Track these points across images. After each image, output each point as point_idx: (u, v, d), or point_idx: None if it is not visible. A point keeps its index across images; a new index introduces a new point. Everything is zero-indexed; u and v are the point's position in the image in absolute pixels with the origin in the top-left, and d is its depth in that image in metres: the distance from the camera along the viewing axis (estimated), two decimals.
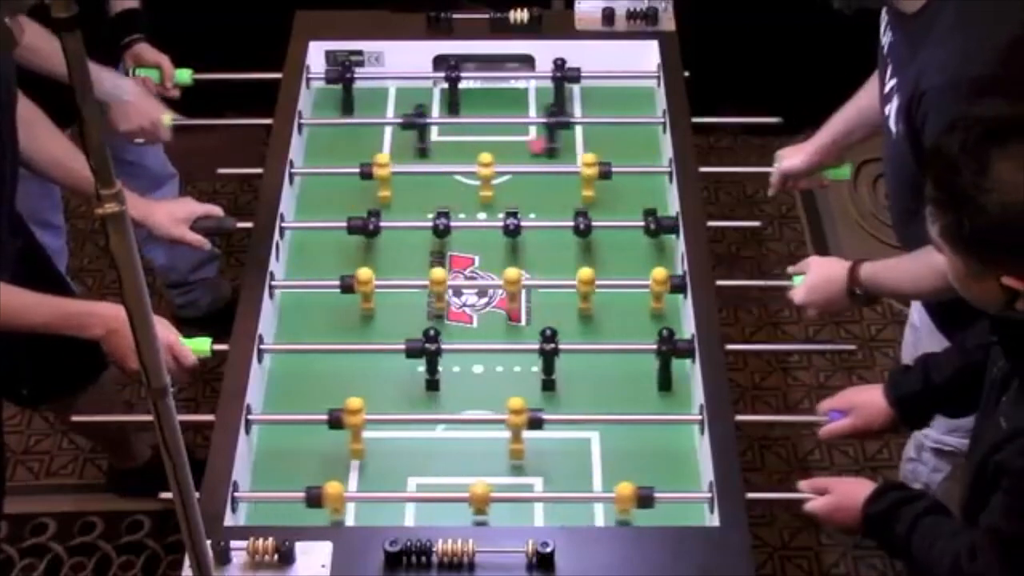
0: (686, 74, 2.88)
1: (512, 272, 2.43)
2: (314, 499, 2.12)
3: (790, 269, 2.46)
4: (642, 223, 2.57)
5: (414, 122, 2.80)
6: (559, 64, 2.86)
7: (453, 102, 2.90)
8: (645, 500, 2.11)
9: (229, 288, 3.49)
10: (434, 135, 2.87)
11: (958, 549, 1.85)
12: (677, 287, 2.43)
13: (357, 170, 2.67)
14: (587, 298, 2.45)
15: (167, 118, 2.80)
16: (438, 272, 2.44)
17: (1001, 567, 1.79)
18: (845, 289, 2.32)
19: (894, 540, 1.98)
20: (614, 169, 2.71)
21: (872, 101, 2.47)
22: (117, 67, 2.88)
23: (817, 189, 2.82)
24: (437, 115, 2.92)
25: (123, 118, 2.76)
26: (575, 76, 2.86)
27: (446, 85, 2.90)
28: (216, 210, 2.61)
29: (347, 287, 2.44)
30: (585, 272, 2.42)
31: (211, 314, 3.43)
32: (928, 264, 2.19)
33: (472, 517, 2.13)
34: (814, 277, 2.39)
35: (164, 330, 2.26)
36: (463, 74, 2.89)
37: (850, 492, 2.06)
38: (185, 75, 2.89)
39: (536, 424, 2.21)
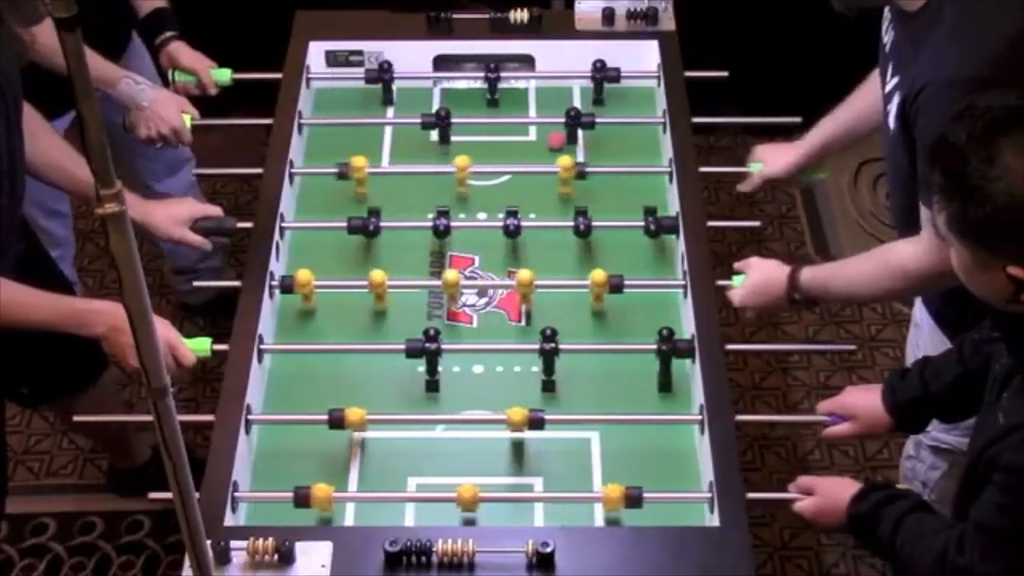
0: (725, 74, 2.89)
1: (525, 274, 2.44)
2: (302, 499, 2.12)
3: (736, 265, 2.46)
4: (642, 223, 2.57)
5: (435, 122, 2.79)
6: (599, 66, 2.87)
7: (492, 101, 2.92)
8: (634, 500, 2.11)
9: (234, 276, 3.48)
10: (434, 135, 2.87)
11: (945, 542, 1.85)
12: (615, 287, 2.43)
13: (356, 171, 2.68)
14: (527, 298, 2.47)
15: (187, 119, 2.79)
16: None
17: (988, 561, 1.79)
18: (785, 294, 2.32)
19: (878, 540, 1.98)
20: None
21: (864, 105, 2.47)
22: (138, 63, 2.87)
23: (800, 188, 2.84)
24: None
25: (141, 124, 2.76)
26: (615, 76, 2.87)
27: (486, 85, 2.91)
28: (216, 210, 2.61)
29: (286, 288, 2.45)
30: (524, 274, 2.43)
31: (216, 300, 3.43)
32: (884, 264, 2.19)
33: (471, 516, 2.13)
34: (754, 279, 2.38)
35: (165, 330, 2.26)
36: (503, 74, 2.92)
37: (834, 493, 2.06)
38: (225, 75, 2.89)
39: (537, 424, 2.21)
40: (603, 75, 2.88)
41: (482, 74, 2.92)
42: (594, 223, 2.57)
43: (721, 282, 2.46)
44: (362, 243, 2.60)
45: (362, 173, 2.66)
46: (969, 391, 2.05)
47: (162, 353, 1.49)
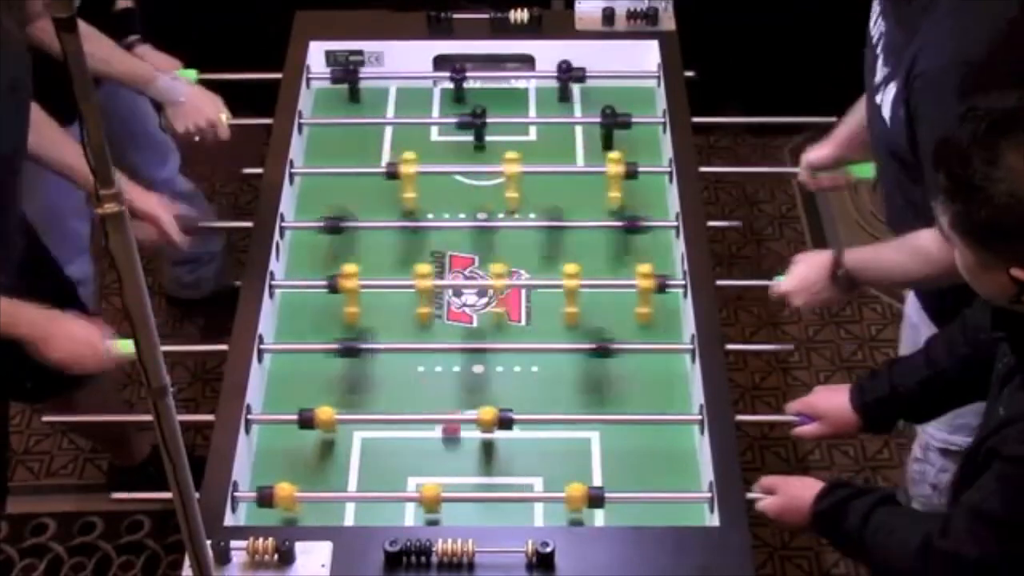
0: (690, 74, 2.88)
1: (571, 267, 2.43)
2: (265, 499, 2.12)
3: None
4: (641, 223, 2.57)
5: (471, 122, 2.79)
6: (564, 67, 2.87)
7: (458, 99, 2.91)
8: (596, 500, 2.11)
9: (233, 267, 3.45)
10: (434, 135, 2.87)
11: (926, 532, 1.85)
12: (661, 287, 2.43)
13: (358, 170, 2.69)
14: (572, 296, 2.45)
15: (224, 117, 2.79)
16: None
17: (975, 543, 1.79)
18: (829, 270, 2.29)
19: (845, 535, 1.98)
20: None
21: None
22: None
23: (843, 189, 2.77)
24: (438, 115, 2.92)
25: (178, 119, 2.76)
26: (580, 77, 2.87)
27: (451, 85, 2.90)
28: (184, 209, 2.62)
29: (332, 287, 2.44)
30: (571, 267, 2.43)
31: (215, 295, 3.42)
32: (913, 251, 2.19)
33: (471, 517, 2.14)
34: (799, 269, 2.37)
35: (83, 329, 2.27)
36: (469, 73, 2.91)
37: (797, 492, 2.06)
38: (191, 76, 2.88)
39: (506, 424, 2.21)
40: (569, 76, 2.87)
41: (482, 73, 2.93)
42: (602, 223, 2.58)
43: (760, 282, 2.45)
44: (362, 243, 2.60)
45: (411, 171, 2.62)
46: (937, 394, 2.07)
47: (159, 352, 1.47)
